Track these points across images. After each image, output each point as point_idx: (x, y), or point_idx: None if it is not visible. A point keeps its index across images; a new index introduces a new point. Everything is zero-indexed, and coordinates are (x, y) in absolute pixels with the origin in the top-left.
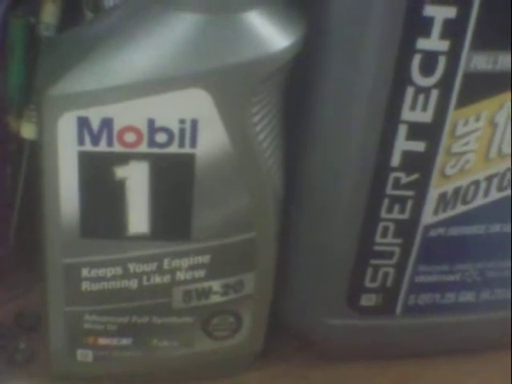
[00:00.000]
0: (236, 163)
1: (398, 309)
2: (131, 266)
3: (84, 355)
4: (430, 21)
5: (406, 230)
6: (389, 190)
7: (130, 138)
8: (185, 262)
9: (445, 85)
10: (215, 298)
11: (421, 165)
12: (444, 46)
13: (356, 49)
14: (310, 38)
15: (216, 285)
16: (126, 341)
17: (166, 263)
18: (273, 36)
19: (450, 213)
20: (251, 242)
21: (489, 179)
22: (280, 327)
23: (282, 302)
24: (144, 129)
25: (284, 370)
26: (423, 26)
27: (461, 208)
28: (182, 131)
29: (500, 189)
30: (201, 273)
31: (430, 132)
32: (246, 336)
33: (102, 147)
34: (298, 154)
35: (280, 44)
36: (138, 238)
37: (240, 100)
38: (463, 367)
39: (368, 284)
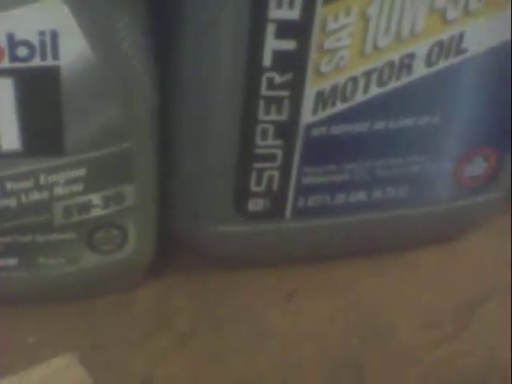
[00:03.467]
0: (102, 73)
1: (288, 212)
2: (8, 185)
3: None
4: None
5: (285, 131)
6: (263, 91)
7: None
8: (61, 177)
9: None
10: (96, 212)
11: (294, 63)
12: None
13: None
14: None
15: (95, 198)
16: (11, 261)
17: (42, 179)
18: None
19: (329, 111)
20: (126, 153)
21: (367, 75)
22: (173, 238)
23: (171, 213)
24: (4, 44)
25: (179, 281)
26: None
27: (341, 106)
28: (42, 43)
29: (380, 84)
30: (79, 187)
31: (299, 30)
32: (134, 248)
33: None
34: (170, 62)
35: None
36: (11, 155)
37: (98, 7)
38: (360, 268)
39: (254, 188)
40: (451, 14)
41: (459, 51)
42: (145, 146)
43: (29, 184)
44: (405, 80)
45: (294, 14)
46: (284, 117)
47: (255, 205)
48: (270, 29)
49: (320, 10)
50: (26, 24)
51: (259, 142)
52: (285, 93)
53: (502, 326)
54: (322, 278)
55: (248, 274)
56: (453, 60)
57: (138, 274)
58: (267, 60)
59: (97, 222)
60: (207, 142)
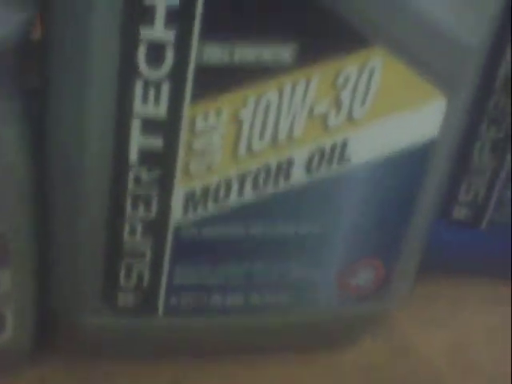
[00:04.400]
0: None
1: (160, 309)
2: None
3: None
4: (151, 8)
5: (155, 229)
6: (130, 187)
7: None
8: None
9: (176, 78)
10: None
11: (161, 162)
12: (170, 35)
13: (79, 42)
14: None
15: None
16: None
17: None
18: None
19: (201, 212)
20: (2, 239)
21: (241, 178)
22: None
23: (49, 300)
24: None
25: (58, 369)
26: (145, 14)
27: (213, 207)
28: None
29: (256, 188)
30: None
31: (166, 127)
32: (12, 335)
33: None
34: (43, 155)
35: None
36: None
37: None
38: (246, 362)
39: (123, 283)
40: (333, 121)
41: (342, 159)
42: (21, 231)
43: None
44: (283, 186)
45: (160, 110)
46: (153, 215)
47: (125, 299)
48: (136, 124)
49: (188, 109)
50: None
51: (127, 238)
52: (153, 190)
53: None
54: (206, 369)
55: (130, 363)
56: (336, 168)
57: (19, 360)
58: (134, 156)
59: None
60: (75, 234)
